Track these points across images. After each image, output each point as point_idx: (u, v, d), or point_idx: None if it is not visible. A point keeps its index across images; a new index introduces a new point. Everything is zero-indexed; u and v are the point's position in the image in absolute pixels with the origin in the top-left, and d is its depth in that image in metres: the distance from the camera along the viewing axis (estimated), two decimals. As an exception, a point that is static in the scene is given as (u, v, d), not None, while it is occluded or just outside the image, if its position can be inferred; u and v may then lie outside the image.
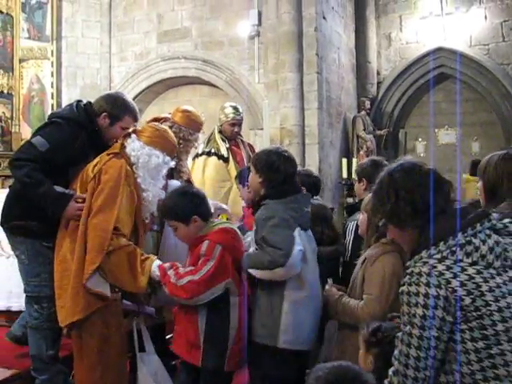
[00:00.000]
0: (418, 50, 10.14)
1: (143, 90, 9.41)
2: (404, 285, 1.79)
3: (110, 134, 3.53)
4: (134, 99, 9.35)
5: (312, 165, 7.80)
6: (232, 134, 5.21)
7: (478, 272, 1.71)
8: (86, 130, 3.43)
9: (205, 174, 5.01)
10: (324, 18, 8.46)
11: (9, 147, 7.95)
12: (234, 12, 8.66)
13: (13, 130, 8.04)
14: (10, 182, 4.31)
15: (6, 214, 3.51)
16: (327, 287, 3.05)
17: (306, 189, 3.59)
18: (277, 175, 3.04)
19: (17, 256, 3.56)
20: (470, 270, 1.71)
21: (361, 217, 3.08)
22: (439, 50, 9.86)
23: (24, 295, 3.53)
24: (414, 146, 10.77)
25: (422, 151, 10.67)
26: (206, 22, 8.86)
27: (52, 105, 8.53)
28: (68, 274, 3.12)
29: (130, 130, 3.42)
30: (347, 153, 9.49)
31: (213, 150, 5.04)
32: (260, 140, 8.37)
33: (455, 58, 9.55)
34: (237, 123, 5.22)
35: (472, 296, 1.69)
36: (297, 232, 2.92)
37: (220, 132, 5.18)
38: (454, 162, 9.55)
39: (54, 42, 8.65)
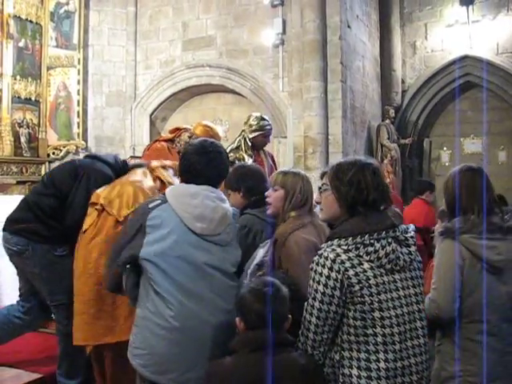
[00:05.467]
0: (443, 59, 10.04)
1: (168, 98, 9.47)
2: (313, 262, 2.15)
3: None
4: (158, 107, 9.50)
5: (335, 173, 7.75)
6: (264, 144, 5.36)
7: (372, 268, 2.09)
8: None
9: None
10: (348, 26, 8.44)
11: (36, 153, 8.09)
12: (258, 20, 8.69)
13: (40, 137, 8.18)
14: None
15: (14, 219, 3.58)
16: None
17: None
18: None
19: (32, 273, 3.59)
20: (366, 265, 2.09)
21: (272, 192, 2.92)
22: (465, 58, 9.74)
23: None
24: (439, 155, 10.66)
25: (446, 160, 10.55)
26: (230, 31, 8.91)
27: (78, 112, 8.65)
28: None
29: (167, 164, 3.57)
30: (371, 161, 9.41)
31: (237, 162, 5.06)
32: (284, 148, 8.38)
33: (481, 67, 9.43)
34: (269, 134, 5.39)
35: (361, 285, 2.07)
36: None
37: (251, 143, 5.22)
38: (480, 171, 9.39)
39: (81, 50, 8.77)
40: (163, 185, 3.39)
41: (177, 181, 3.37)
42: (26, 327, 3.82)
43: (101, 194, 3.30)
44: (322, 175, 2.39)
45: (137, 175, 3.49)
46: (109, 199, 3.26)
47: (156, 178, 3.49)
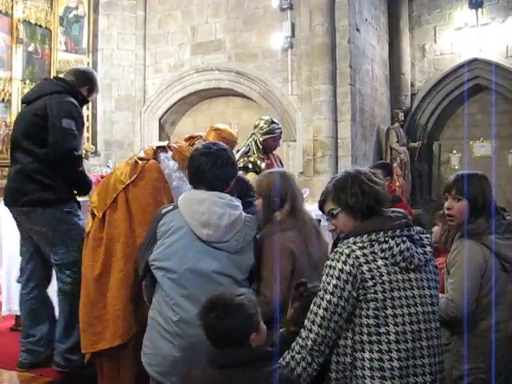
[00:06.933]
0: (452, 62, 10.02)
1: (177, 102, 9.49)
2: (329, 259, 2.16)
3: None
4: (167, 110, 9.52)
5: (344, 177, 7.74)
6: (275, 147, 5.38)
7: (386, 265, 2.10)
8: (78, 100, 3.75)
9: None
10: (357, 29, 8.44)
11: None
12: (267, 24, 8.69)
13: (49, 140, 8.20)
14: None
15: (19, 193, 3.56)
16: None
17: None
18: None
19: (37, 232, 3.60)
20: (380, 262, 2.10)
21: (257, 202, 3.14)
22: (474, 61, 9.72)
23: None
24: (449, 158, 10.63)
25: (456, 164, 10.52)
26: (239, 34, 8.92)
27: (87, 116, 8.67)
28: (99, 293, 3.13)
29: (165, 145, 3.52)
30: (380, 165, 9.40)
31: (250, 166, 5.09)
32: (293, 152, 8.36)
33: (491, 70, 9.41)
34: (280, 137, 5.41)
35: (374, 281, 2.08)
36: None
37: (262, 146, 5.23)
38: (489, 174, 9.29)
39: (90, 54, 8.83)
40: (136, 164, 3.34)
41: (172, 164, 3.38)
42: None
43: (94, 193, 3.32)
44: (321, 205, 2.34)
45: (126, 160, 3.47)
46: (93, 199, 3.28)
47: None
